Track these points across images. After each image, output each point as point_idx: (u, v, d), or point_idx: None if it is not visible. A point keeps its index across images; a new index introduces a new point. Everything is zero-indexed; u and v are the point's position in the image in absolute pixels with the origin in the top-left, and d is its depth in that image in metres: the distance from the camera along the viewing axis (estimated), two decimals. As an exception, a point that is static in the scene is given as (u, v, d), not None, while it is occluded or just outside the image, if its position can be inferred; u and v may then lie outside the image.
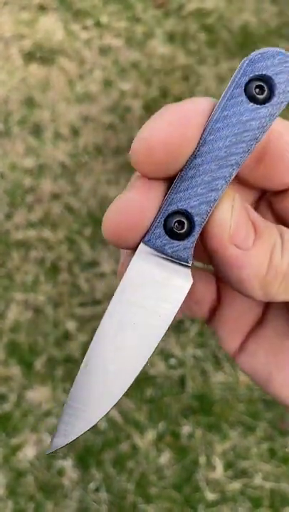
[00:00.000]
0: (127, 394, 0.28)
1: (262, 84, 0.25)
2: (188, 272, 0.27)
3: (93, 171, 1.34)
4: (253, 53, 0.26)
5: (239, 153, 0.25)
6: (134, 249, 0.27)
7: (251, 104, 0.25)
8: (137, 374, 0.27)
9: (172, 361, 1.14)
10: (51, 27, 1.53)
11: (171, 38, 1.53)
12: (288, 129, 0.28)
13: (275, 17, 1.56)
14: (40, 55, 1.49)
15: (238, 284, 0.26)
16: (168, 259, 0.27)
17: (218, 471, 1.06)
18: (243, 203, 0.27)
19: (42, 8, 1.56)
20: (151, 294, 0.27)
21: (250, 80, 0.25)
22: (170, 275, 0.27)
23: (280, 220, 0.31)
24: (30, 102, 1.43)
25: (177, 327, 1.17)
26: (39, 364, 1.13)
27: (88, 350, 0.27)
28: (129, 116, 1.42)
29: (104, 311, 0.28)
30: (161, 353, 1.14)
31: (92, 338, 0.27)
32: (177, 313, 0.27)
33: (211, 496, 1.04)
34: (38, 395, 1.10)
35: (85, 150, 1.37)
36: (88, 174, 1.34)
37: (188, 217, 0.26)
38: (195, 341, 1.15)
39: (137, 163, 0.25)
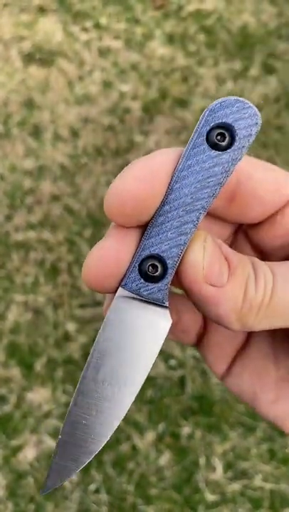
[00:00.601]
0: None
1: (223, 131, 0.27)
2: (166, 312, 0.28)
3: (93, 172, 1.34)
4: (213, 103, 0.27)
5: (204, 198, 0.27)
6: (115, 292, 0.29)
7: (213, 151, 0.27)
8: (121, 416, 0.28)
9: (172, 362, 1.14)
10: (51, 29, 1.53)
11: (170, 39, 1.53)
12: (256, 167, 0.29)
13: (275, 18, 1.56)
14: (40, 56, 1.49)
15: (216, 318, 0.27)
16: (146, 301, 0.28)
17: (218, 472, 1.06)
18: (215, 241, 0.28)
19: (41, 10, 1.56)
20: (132, 336, 0.28)
21: (212, 129, 0.27)
22: (149, 317, 0.28)
23: (258, 250, 0.32)
24: (29, 104, 1.43)
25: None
26: (39, 365, 1.13)
27: (76, 390, 0.28)
28: (128, 117, 1.42)
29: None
30: (161, 353, 1.14)
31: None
32: (166, 338, 0.28)
33: (210, 497, 1.04)
34: (38, 396, 1.11)
35: (85, 151, 1.37)
36: (88, 175, 1.34)
37: (161, 260, 0.28)
38: (195, 342, 1.15)
39: (111, 215, 0.27)
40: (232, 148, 0.27)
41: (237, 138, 0.27)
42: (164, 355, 1.14)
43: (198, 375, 1.13)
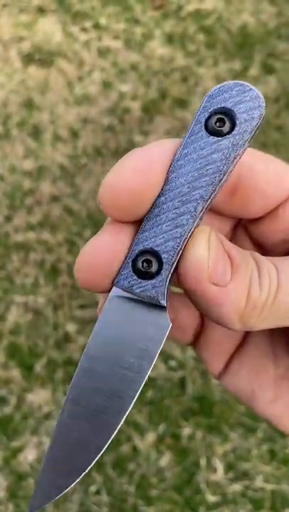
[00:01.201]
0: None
1: (222, 116, 0.25)
2: (164, 313, 0.26)
3: (92, 173, 1.34)
4: (212, 89, 0.26)
5: (203, 187, 0.25)
6: (109, 291, 0.27)
7: (212, 137, 0.25)
8: (108, 440, 0.25)
9: (172, 363, 1.14)
10: (50, 29, 1.53)
11: (170, 39, 1.53)
12: (258, 159, 0.28)
13: (274, 17, 1.56)
14: (39, 57, 1.49)
15: (217, 318, 0.26)
16: (142, 302, 0.26)
17: (219, 473, 1.05)
18: (219, 236, 0.26)
19: (41, 11, 1.56)
20: (125, 340, 0.26)
21: (211, 115, 0.25)
22: (145, 318, 0.26)
23: (257, 244, 0.31)
24: (29, 104, 1.43)
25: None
26: (39, 366, 1.13)
27: (65, 399, 0.26)
28: (128, 117, 1.42)
29: None
30: (162, 354, 1.14)
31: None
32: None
33: (211, 498, 1.03)
34: (38, 397, 1.10)
35: (84, 152, 1.37)
36: (87, 176, 1.34)
37: (156, 255, 0.26)
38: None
39: (105, 208, 0.26)
40: (232, 133, 0.25)
41: (238, 122, 0.25)
42: (164, 355, 1.14)
43: (198, 376, 1.12)
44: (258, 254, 0.27)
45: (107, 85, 1.46)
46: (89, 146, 1.37)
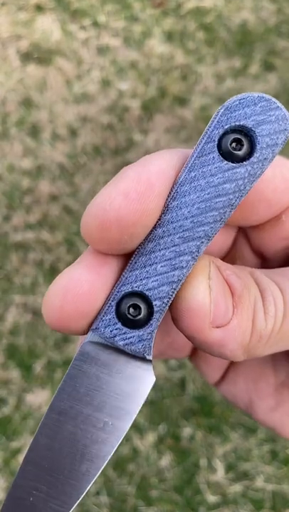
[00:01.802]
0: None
1: (240, 137, 0.21)
2: (148, 367, 0.22)
3: (92, 172, 1.33)
4: (231, 99, 0.21)
5: (209, 223, 0.21)
6: (85, 333, 0.23)
7: (225, 162, 0.21)
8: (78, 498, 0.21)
9: (172, 363, 1.13)
10: (48, 27, 1.52)
11: (169, 37, 1.52)
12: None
13: (274, 15, 1.55)
14: (38, 55, 1.48)
15: (218, 355, 0.23)
16: (124, 352, 0.22)
17: (219, 474, 1.05)
18: (216, 263, 0.23)
19: (39, 9, 1.55)
20: (99, 395, 0.22)
21: (226, 133, 0.21)
22: (125, 372, 0.22)
23: (258, 252, 0.29)
24: (27, 103, 1.42)
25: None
26: (38, 367, 1.13)
27: (24, 458, 0.22)
28: (127, 116, 1.41)
29: None
30: (161, 354, 1.14)
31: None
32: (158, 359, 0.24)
33: (212, 498, 1.03)
34: (38, 398, 1.10)
35: (84, 151, 1.36)
36: (87, 175, 1.33)
37: (146, 300, 0.21)
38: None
39: (89, 239, 0.21)
40: (250, 160, 0.21)
41: (258, 147, 0.21)
42: (164, 355, 1.14)
43: (198, 376, 1.12)
44: (258, 274, 0.24)
45: (106, 84, 1.45)
46: (88, 145, 1.37)
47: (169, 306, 0.22)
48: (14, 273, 1.22)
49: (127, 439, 1.06)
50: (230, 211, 0.21)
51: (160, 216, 0.21)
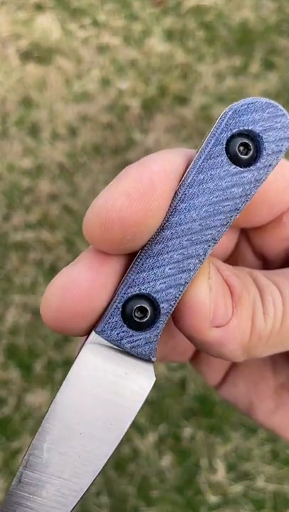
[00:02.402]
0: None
1: (247, 142, 0.21)
2: (150, 368, 0.22)
3: (92, 171, 1.33)
4: (238, 103, 0.21)
5: (216, 227, 0.21)
6: (87, 334, 0.23)
7: (234, 166, 0.21)
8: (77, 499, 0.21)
9: (173, 363, 1.13)
10: (48, 26, 1.52)
11: (169, 35, 1.52)
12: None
13: (275, 13, 1.55)
14: (37, 54, 1.48)
15: (218, 355, 0.23)
16: (125, 352, 0.22)
17: (220, 474, 1.05)
18: (216, 264, 0.23)
19: (39, 8, 1.55)
20: (100, 398, 0.22)
21: (233, 136, 0.21)
22: (127, 373, 0.22)
23: (259, 254, 0.29)
24: (27, 102, 1.42)
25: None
26: (38, 367, 1.12)
27: (21, 464, 0.22)
28: (127, 115, 1.40)
29: None
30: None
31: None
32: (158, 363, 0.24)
33: (213, 498, 1.03)
34: (38, 398, 1.10)
35: (83, 150, 1.36)
36: (86, 174, 1.33)
37: (153, 303, 0.21)
38: (196, 342, 1.14)
39: (91, 240, 0.21)
40: (257, 165, 0.21)
41: (264, 153, 0.21)
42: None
43: (199, 376, 1.11)
44: (257, 274, 0.24)
45: (106, 82, 1.45)
46: (88, 144, 1.36)
47: None
48: (14, 273, 1.22)
49: (128, 439, 1.06)
50: (236, 215, 0.21)
51: (167, 218, 0.21)
